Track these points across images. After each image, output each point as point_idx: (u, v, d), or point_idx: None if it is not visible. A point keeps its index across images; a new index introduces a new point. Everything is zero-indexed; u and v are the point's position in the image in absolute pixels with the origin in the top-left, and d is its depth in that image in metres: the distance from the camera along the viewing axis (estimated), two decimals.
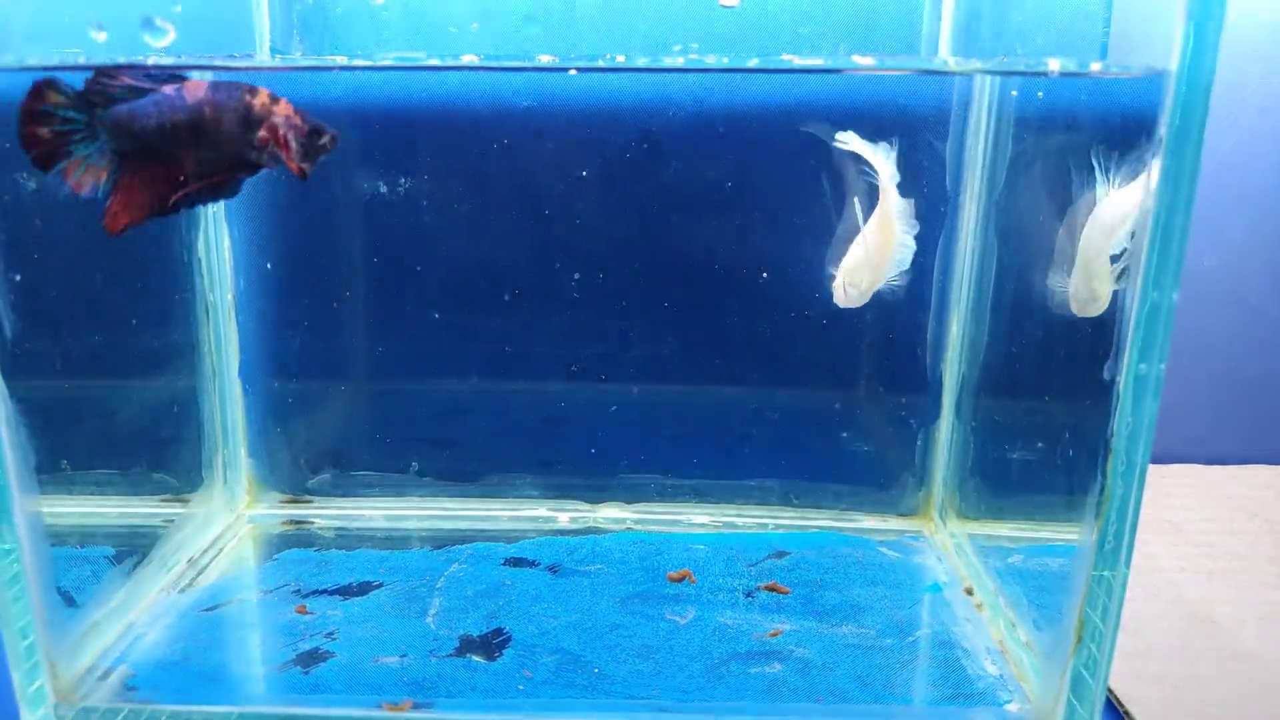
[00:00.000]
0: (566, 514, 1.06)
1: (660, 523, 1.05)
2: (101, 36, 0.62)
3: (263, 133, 0.65)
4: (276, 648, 0.82)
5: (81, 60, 0.62)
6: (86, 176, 0.63)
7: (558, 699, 0.75)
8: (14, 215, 0.68)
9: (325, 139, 0.66)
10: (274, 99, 0.65)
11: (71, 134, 0.62)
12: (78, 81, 0.62)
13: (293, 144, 0.64)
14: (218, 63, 0.78)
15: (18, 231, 0.68)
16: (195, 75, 0.95)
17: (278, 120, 0.64)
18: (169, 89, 0.63)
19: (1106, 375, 0.63)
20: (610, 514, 1.06)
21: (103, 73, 0.62)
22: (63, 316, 0.79)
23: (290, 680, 0.77)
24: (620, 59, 0.81)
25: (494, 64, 0.88)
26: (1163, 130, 0.59)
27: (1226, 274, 1.25)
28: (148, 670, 0.78)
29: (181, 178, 0.65)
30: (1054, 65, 0.63)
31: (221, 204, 0.98)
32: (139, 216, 0.64)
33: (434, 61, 0.79)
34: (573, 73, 0.95)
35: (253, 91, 0.64)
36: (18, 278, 0.67)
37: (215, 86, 0.65)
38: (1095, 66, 0.63)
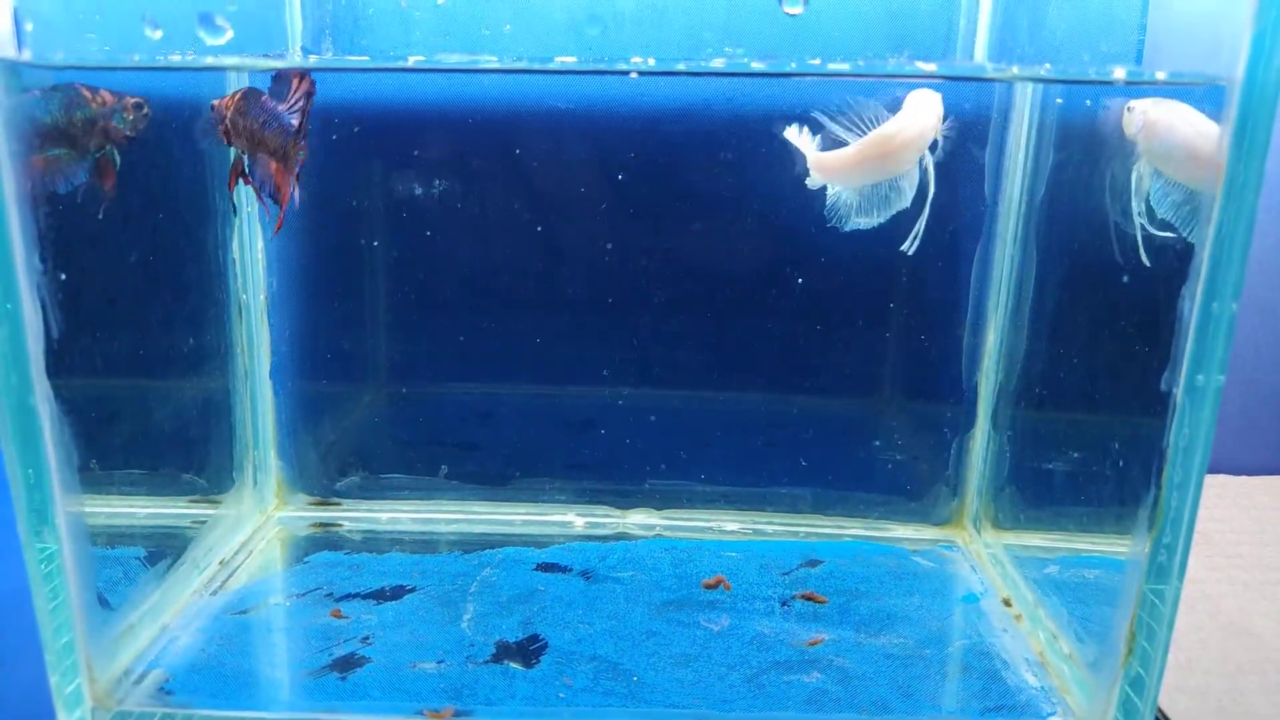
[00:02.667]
0: (596, 519, 1.06)
1: (690, 529, 1.05)
2: (157, 34, 0.62)
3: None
4: (312, 652, 0.81)
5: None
6: None
7: (599, 707, 0.74)
8: (59, 214, 0.68)
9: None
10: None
11: None
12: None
13: None
14: (254, 61, 0.77)
15: (63, 231, 0.68)
16: (231, 75, 0.95)
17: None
18: None
19: (1164, 386, 0.62)
20: (640, 520, 1.06)
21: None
22: (101, 316, 0.79)
23: (328, 685, 0.76)
24: (651, 62, 0.80)
25: (523, 66, 0.88)
26: (1225, 140, 0.58)
27: (1255, 284, 1.24)
28: (183, 674, 0.78)
29: None
30: (1119, 73, 0.63)
31: (256, 205, 0.98)
32: None
33: (491, 59, 0.78)
34: (634, 76, 0.95)
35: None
36: (63, 276, 0.66)
37: None
38: (1160, 75, 0.62)
